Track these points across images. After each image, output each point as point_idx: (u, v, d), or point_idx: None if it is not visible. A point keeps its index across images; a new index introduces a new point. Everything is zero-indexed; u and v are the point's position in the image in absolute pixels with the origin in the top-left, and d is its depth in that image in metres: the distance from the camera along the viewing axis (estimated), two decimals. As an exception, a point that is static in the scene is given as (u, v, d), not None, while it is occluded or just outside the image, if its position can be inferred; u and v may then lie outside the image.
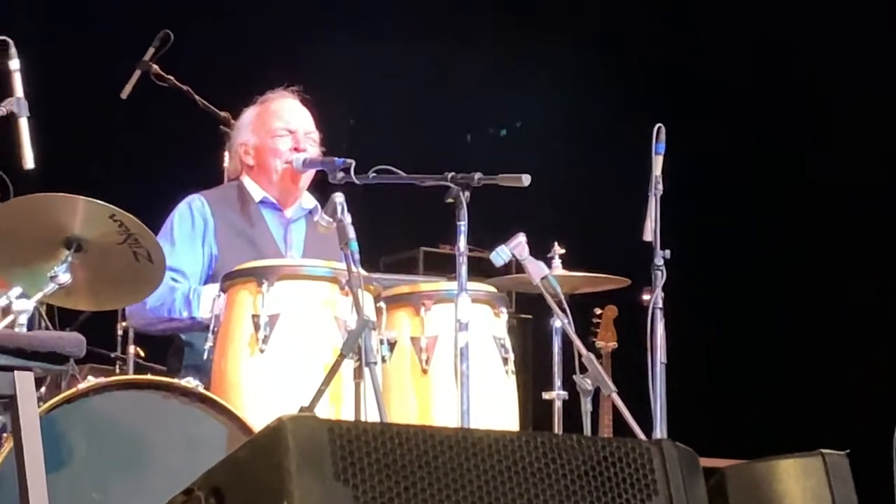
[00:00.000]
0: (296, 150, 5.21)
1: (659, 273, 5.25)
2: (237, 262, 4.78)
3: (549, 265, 5.27)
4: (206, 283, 5.07)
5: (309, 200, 5.32)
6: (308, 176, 5.25)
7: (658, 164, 5.35)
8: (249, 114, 5.36)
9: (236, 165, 5.35)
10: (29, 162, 4.32)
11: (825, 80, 8.30)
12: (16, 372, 3.71)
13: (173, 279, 4.88)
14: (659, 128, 5.35)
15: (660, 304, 5.21)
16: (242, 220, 5.20)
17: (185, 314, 4.93)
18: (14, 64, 4.36)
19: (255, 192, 5.25)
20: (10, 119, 4.31)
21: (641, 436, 4.75)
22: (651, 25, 8.75)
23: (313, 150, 5.24)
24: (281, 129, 5.23)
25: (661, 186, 5.33)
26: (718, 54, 8.61)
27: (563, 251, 5.42)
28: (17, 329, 3.98)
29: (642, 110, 6.71)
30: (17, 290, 4.14)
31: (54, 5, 8.25)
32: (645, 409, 5.09)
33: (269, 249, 5.09)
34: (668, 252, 5.26)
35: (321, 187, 5.20)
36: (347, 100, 8.16)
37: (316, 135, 5.28)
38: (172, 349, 5.15)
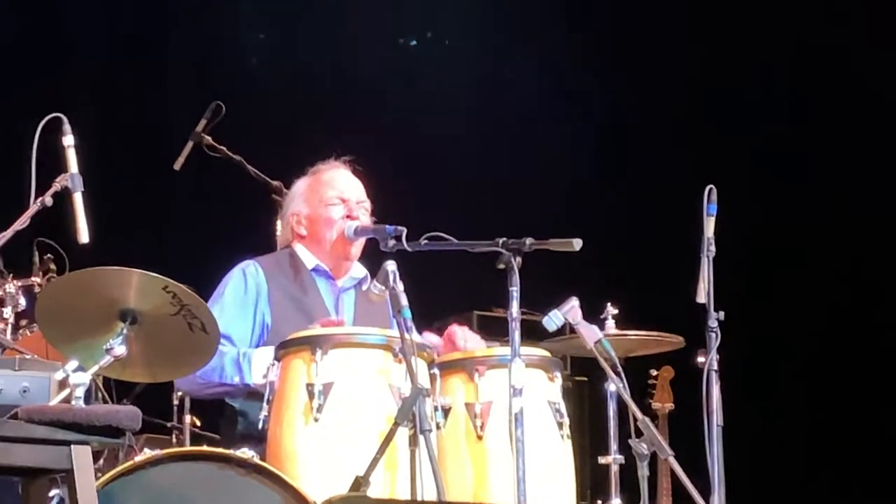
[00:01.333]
0: (348, 217, 5.23)
1: (713, 335, 5.21)
2: (290, 330, 4.80)
3: (603, 326, 5.25)
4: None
5: (359, 270, 5.33)
6: (360, 244, 5.26)
7: (710, 225, 5.33)
8: (301, 184, 5.39)
9: (288, 236, 5.38)
10: (83, 236, 4.36)
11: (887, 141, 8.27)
12: (73, 446, 3.73)
13: (222, 343, 4.89)
14: (710, 189, 5.33)
15: (715, 367, 5.18)
16: (295, 288, 5.21)
17: (236, 379, 4.94)
18: (68, 140, 4.41)
19: (308, 259, 5.27)
20: (65, 194, 4.35)
21: (699, 500, 4.71)
22: (705, 84, 8.75)
23: (365, 218, 5.26)
24: (334, 197, 5.26)
25: (713, 247, 5.30)
26: (769, 113, 8.59)
27: (616, 311, 5.40)
28: (73, 402, 3.98)
29: (695, 169, 6.70)
30: (73, 364, 4.15)
31: (107, 81, 8.34)
32: (703, 473, 5.05)
33: (321, 317, 5.09)
34: (721, 313, 5.22)
35: (373, 257, 5.21)
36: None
37: (368, 204, 5.31)
38: (226, 418, 5.15)
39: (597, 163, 8.75)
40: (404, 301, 4.54)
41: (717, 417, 5.14)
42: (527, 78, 8.87)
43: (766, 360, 8.24)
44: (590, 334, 4.94)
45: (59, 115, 4.38)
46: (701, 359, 5.23)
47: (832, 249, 8.43)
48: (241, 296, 5.15)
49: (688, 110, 8.72)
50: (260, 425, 4.60)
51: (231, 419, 5.12)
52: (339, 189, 5.28)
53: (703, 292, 5.27)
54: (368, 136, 7.58)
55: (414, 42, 9.29)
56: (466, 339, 5.11)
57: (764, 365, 8.21)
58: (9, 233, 4.22)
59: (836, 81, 8.45)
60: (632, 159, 8.74)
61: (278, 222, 5.60)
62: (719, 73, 8.72)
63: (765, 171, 8.56)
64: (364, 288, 5.21)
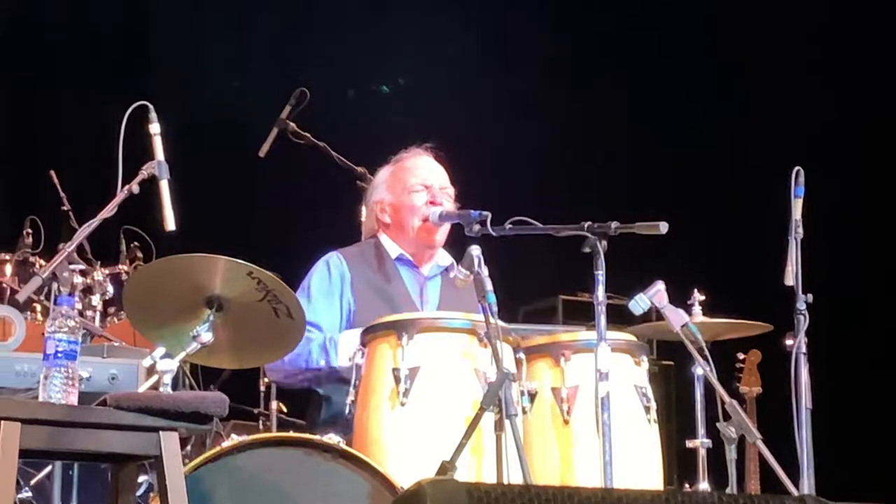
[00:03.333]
0: (432, 203, 5.23)
1: (801, 317, 5.17)
2: (373, 318, 4.80)
3: (690, 312, 5.21)
4: None
5: (445, 257, 5.34)
6: (444, 230, 5.26)
7: (798, 207, 5.29)
8: (384, 172, 5.41)
9: (372, 224, 5.39)
10: (170, 224, 4.39)
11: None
12: (161, 432, 3.76)
13: (309, 331, 4.91)
14: (798, 171, 5.29)
15: (803, 349, 5.14)
16: (379, 277, 5.23)
17: (322, 363, 4.97)
18: (154, 128, 4.43)
19: (392, 249, 5.29)
20: (152, 182, 4.37)
21: (788, 484, 4.66)
22: (788, 71, 8.67)
23: (449, 204, 5.26)
24: (417, 184, 5.27)
25: (801, 230, 5.26)
26: (859, 95, 8.50)
27: (702, 297, 5.36)
28: (161, 389, 4.02)
29: (780, 152, 6.64)
30: (160, 351, 4.19)
31: (193, 67, 8.40)
32: (792, 456, 5.01)
33: (405, 306, 5.11)
34: (810, 296, 5.18)
35: (457, 245, 5.21)
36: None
37: (451, 190, 5.31)
38: (312, 404, 5.18)
39: (684, 147, 8.70)
40: (489, 286, 4.52)
41: (805, 400, 5.10)
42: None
43: (854, 343, 8.15)
44: (676, 318, 4.89)
45: (145, 102, 4.40)
46: (789, 342, 5.19)
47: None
48: (326, 286, 5.18)
49: (770, 93, 8.64)
50: (346, 410, 4.61)
51: (317, 405, 5.15)
52: (421, 176, 5.29)
53: (791, 275, 5.24)
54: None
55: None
56: None
57: (853, 347, 8.12)
58: (96, 221, 4.25)
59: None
60: (719, 142, 8.68)
61: (363, 209, 5.61)
62: (802, 52, 8.64)
63: (852, 150, 8.46)
64: (451, 275, 5.22)
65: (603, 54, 8.91)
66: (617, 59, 8.91)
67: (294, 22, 8.80)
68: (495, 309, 4.49)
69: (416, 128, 5.62)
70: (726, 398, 4.78)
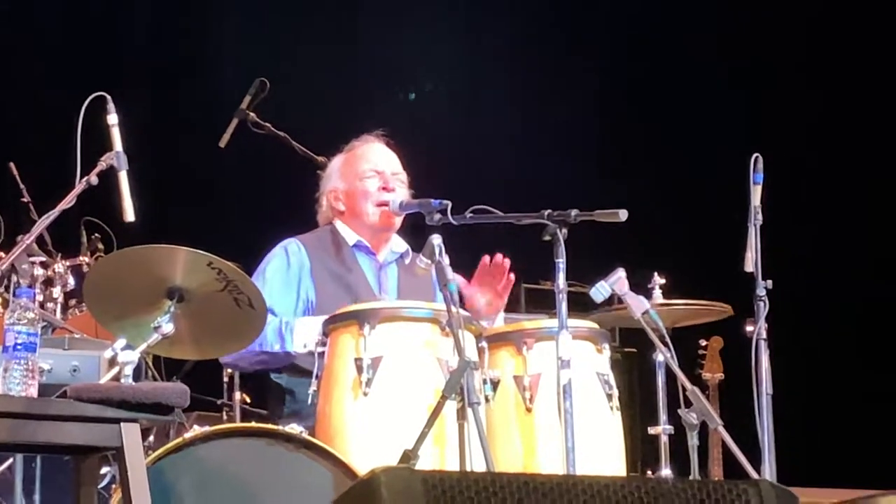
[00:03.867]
0: (384, 189, 5.24)
1: (762, 304, 5.20)
2: (333, 306, 4.81)
3: (650, 296, 5.23)
4: None
5: (399, 244, 5.35)
6: (400, 219, 5.27)
7: (756, 193, 5.32)
8: (337, 161, 5.41)
9: (328, 213, 5.39)
10: (129, 215, 4.37)
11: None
12: (122, 423, 3.75)
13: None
14: (756, 157, 5.32)
15: (763, 335, 5.17)
16: (337, 264, 5.23)
17: (276, 347, 4.95)
18: (112, 119, 4.42)
19: (349, 236, 5.29)
20: (111, 173, 4.36)
21: (750, 469, 4.69)
22: (739, 53, 8.71)
23: (402, 190, 5.27)
24: (368, 170, 5.28)
25: (760, 216, 5.29)
26: (812, 79, 8.54)
27: (662, 281, 5.38)
28: (123, 380, 4.01)
29: (738, 138, 6.68)
30: (121, 342, 4.18)
31: (151, 57, 8.37)
32: (753, 442, 5.04)
33: (364, 293, 5.11)
34: (769, 282, 5.21)
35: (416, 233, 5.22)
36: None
37: (404, 175, 5.32)
38: (274, 396, 5.17)
39: (641, 132, 8.72)
40: (450, 274, 4.53)
41: (766, 386, 5.13)
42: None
43: (814, 328, 8.19)
44: (637, 305, 4.91)
45: (102, 93, 4.39)
46: (749, 328, 5.22)
47: (880, 213, 8.38)
48: (283, 273, 5.17)
49: (732, 76, 8.67)
50: (309, 401, 4.61)
51: (279, 396, 5.14)
52: (373, 162, 5.30)
53: (751, 261, 5.26)
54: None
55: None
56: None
57: (813, 333, 8.17)
58: (56, 212, 4.24)
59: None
60: (677, 127, 8.70)
61: (323, 199, 5.61)
62: (765, 38, 8.67)
63: (811, 136, 8.50)
64: (406, 262, 5.23)
65: (567, 40, 8.91)
66: (580, 43, 8.91)
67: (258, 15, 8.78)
68: (457, 298, 4.49)
69: (378, 119, 5.60)
70: (688, 385, 4.81)
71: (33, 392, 3.70)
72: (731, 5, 8.71)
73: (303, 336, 4.86)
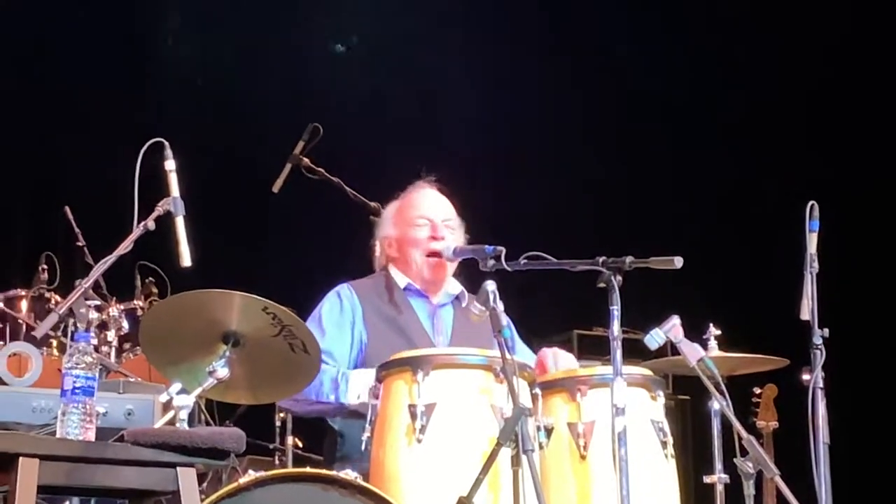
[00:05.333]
0: (433, 238, 5.25)
1: (818, 352, 5.16)
2: (386, 349, 4.82)
3: (705, 347, 5.20)
4: (354, 368, 5.10)
5: (455, 286, 5.35)
6: (455, 264, 5.27)
7: (812, 241, 5.29)
8: (391, 208, 5.45)
9: (381, 261, 5.42)
10: (186, 260, 4.38)
11: None
12: (178, 468, 3.76)
13: (323, 360, 4.89)
14: (812, 205, 5.30)
15: (820, 384, 5.13)
16: (390, 308, 5.24)
17: (332, 397, 4.97)
18: (170, 164, 4.44)
19: (401, 279, 5.30)
20: (167, 218, 4.38)
21: (806, 519, 4.65)
22: (800, 102, 8.68)
23: (452, 237, 5.28)
24: (418, 218, 5.29)
25: (816, 264, 5.26)
26: (873, 129, 8.50)
27: (718, 332, 5.34)
28: (178, 424, 4.02)
29: (796, 188, 6.64)
30: (176, 386, 4.19)
31: (205, 104, 8.43)
32: (809, 492, 4.99)
33: (417, 336, 5.12)
34: (826, 330, 5.17)
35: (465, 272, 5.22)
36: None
37: (455, 222, 5.33)
38: (327, 440, 5.18)
39: (698, 182, 8.70)
40: (505, 321, 4.54)
41: (823, 435, 5.08)
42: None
43: (872, 377, 8.12)
44: (692, 352, 4.89)
45: (160, 139, 4.41)
46: (806, 376, 5.18)
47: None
48: (336, 316, 5.19)
49: (789, 126, 8.65)
50: (363, 447, 4.60)
51: (332, 441, 5.15)
52: (423, 209, 5.33)
53: (807, 309, 5.23)
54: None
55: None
56: (557, 359, 5.11)
57: (870, 382, 8.10)
58: (112, 257, 4.25)
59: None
60: (735, 178, 8.67)
61: (376, 244, 5.62)
62: (821, 89, 8.65)
63: (867, 185, 8.45)
64: (463, 305, 5.23)
65: (612, 82, 8.92)
66: (634, 87, 8.91)
67: (308, 58, 8.84)
68: (511, 344, 4.49)
69: (428, 160, 5.62)
70: (743, 433, 4.77)
71: (91, 436, 3.72)
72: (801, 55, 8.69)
73: (357, 388, 4.88)
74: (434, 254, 5.25)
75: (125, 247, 4.25)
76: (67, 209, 6.32)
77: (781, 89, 8.70)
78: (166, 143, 4.42)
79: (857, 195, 8.28)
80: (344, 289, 5.28)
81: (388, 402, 4.55)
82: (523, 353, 5.25)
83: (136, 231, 4.28)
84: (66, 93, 8.16)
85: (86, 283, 4.20)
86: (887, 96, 8.51)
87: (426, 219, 5.30)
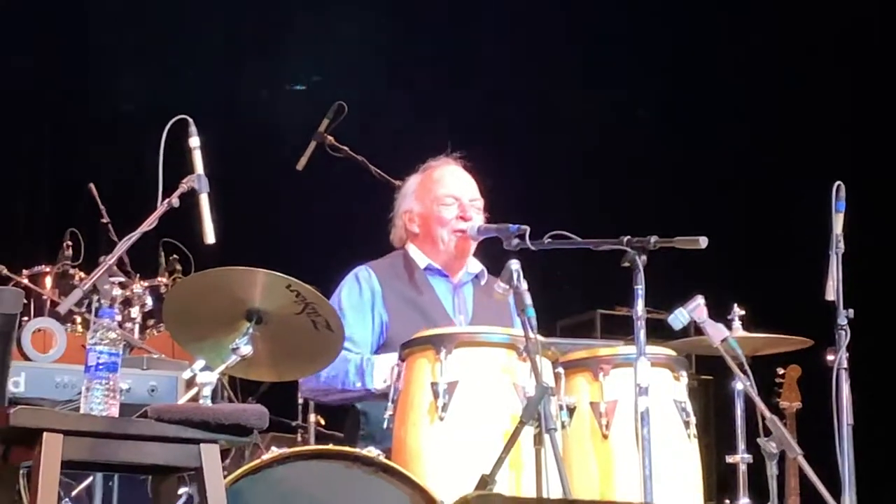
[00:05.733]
0: (461, 218, 5.22)
1: (843, 333, 5.15)
2: (408, 330, 4.81)
3: (730, 327, 5.19)
4: (377, 351, 5.10)
5: (475, 265, 5.33)
6: (476, 243, 5.26)
7: (839, 222, 5.27)
8: (413, 181, 5.40)
9: (401, 234, 5.38)
10: (209, 237, 4.39)
11: None
12: (201, 444, 3.76)
13: (346, 348, 4.89)
14: (839, 185, 5.28)
15: (844, 365, 5.12)
16: (410, 289, 5.22)
17: (358, 385, 4.97)
18: (194, 141, 4.44)
19: (420, 259, 5.28)
20: (191, 195, 4.38)
21: (830, 500, 4.64)
22: (826, 82, 8.65)
23: (478, 217, 5.25)
24: (446, 196, 5.26)
25: (842, 244, 5.24)
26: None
27: (742, 312, 5.33)
28: (201, 401, 4.03)
29: (822, 168, 6.61)
30: (200, 363, 4.20)
31: (230, 81, 8.44)
32: (832, 473, 4.98)
33: (438, 315, 5.11)
34: (851, 311, 5.16)
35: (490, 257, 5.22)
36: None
37: (480, 202, 5.30)
38: (349, 418, 5.18)
39: (724, 160, 8.67)
40: (528, 300, 4.52)
41: (846, 416, 5.07)
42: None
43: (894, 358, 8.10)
44: (716, 332, 4.88)
45: (185, 116, 4.41)
46: (830, 357, 5.17)
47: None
48: (356, 299, 5.18)
49: (817, 106, 8.61)
50: (385, 425, 4.60)
51: (355, 419, 5.15)
52: (451, 187, 5.28)
53: (832, 290, 5.21)
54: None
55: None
56: None
57: (894, 363, 8.07)
58: (136, 234, 4.25)
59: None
60: (760, 157, 8.65)
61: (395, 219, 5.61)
62: (844, 70, 8.61)
63: (894, 165, 8.42)
64: (483, 283, 5.22)
65: (636, 62, 8.89)
66: (650, 70, 8.89)
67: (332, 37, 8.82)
68: (535, 323, 4.48)
69: (447, 137, 5.60)
70: (767, 413, 4.76)
71: (114, 412, 3.72)
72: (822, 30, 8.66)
73: (383, 373, 4.86)
74: (460, 232, 5.24)
75: (149, 223, 4.25)
76: (92, 186, 6.33)
77: (809, 69, 8.66)
78: (191, 121, 4.42)
79: (884, 176, 8.25)
80: (362, 271, 5.26)
81: (411, 380, 4.55)
82: None
83: (161, 208, 4.28)
84: (92, 69, 8.17)
85: (110, 260, 4.20)
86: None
87: (454, 197, 5.27)
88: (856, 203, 5.31)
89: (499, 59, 8.87)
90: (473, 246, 5.29)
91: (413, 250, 5.33)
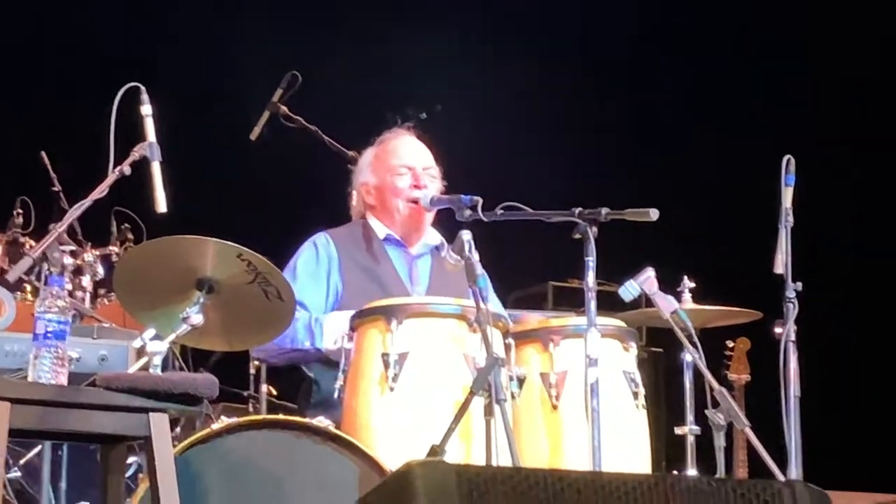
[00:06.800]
0: (415, 186, 5.24)
1: (791, 305, 5.18)
2: (362, 299, 4.81)
3: (679, 299, 5.22)
4: None
5: (434, 236, 5.35)
6: (432, 213, 5.27)
7: (788, 195, 5.31)
8: (368, 155, 5.42)
9: (360, 207, 5.40)
10: (161, 205, 4.37)
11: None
12: (150, 413, 3.75)
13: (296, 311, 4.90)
14: (788, 159, 5.31)
15: (792, 337, 5.15)
16: (368, 258, 5.23)
17: (307, 344, 4.98)
18: (146, 109, 4.42)
19: (380, 229, 5.29)
20: (143, 163, 4.37)
21: (776, 471, 4.68)
22: (775, 59, 8.69)
23: (433, 185, 5.27)
24: (399, 166, 5.28)
25: (791, 218, 5.28)
26: (848, 82, 8.50)
27: (692, 285, 5.37)
28: (151, 370, 4.03)
29: (770, 141, 6.66)
30: (150, 332, 4.19)
31: (185, 50, 8.39)
32: (780, 444, 5.02)
33: (394, 286, 5.12)
34: (799, 284, 5.19)
35: (446, 223, 5.22)
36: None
37: (435, 170, 5.32)
38: (301, 388, 5.19)
39: (674, 133, 8.70)
40: (480, 270, 4.53)
41: (794, 388, 5.11)
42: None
43: (844, 331, 8.16)
44: (666, 304, 4.91)
45: (136, 84, 4.39)
46: (778, 329, 5.20)
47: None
48: (312, 266, 5.19)
49: (766, 82, 8.65)
50: (335, 394, 4.61)
51: (307, 388, 5.16)
52: (403, 157, 5.31)
53: (781, 263, 5.25)
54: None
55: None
56: None
57: (842, 336, 8.13)
58: (87, 202, 4.24)
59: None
60: (709, 130, 8.68)
61: (354, 192, 5.62)
62: (794, 38, 8.65)
63: (843, 140, 8.47)
64: (442, 255, 5.24)
65: (590, 34, 8.89)
66: (606, 38, 8.89)
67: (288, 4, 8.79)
68: (486, 294, 4.49)
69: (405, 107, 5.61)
70: (715, 385, 4.80)
71: (63, 380, 3.71)
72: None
73: (333, 332, 4.88)
74: (413, 201, 5.24)
75: (100, 191, 4.24)
76: (43, 154, 6.29)
77: (759, 42, 8.69)
78: (142, 88, 4.40)
79: (833, 150, 8.29)
80: (321, 238, 5.27)
81: (361, 350, 4.56)
82: (495, 306, 5.27)
83: (112, 176, 4.27)
84: (44, 37, 8.11)
85: (60, 227, 4.19)
86: (862, 49, 8.51)
87: (407, 167, 5.29)
88: (805, 177, 5.34)
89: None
90: (429, 216, 5.29)
91: (373, 220, 5.35)
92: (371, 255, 5.25)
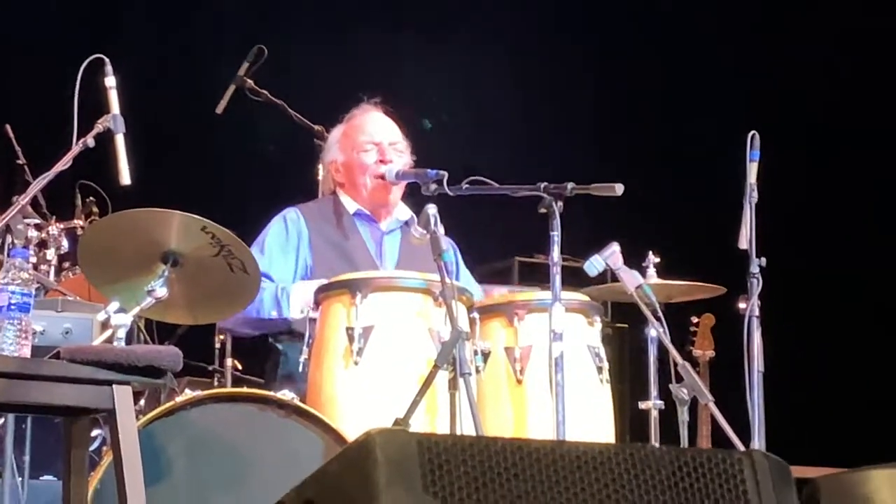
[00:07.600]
0: (381, 161, 5.24)
1: (755, 281, 5.20)
2: (331, 274, 4.82)
3: (644, 274, 5.23)
4: None
5: (404, 212, 5.35)
6: (400, 188, 5.28)
7: (753, 171, 5.32)
8: (336, 132, 5.43)
9: (329, 184, 5.42)
10: (125, 178, 4.37)
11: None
12: (114, 386, 3.74)
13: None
14: (753, 135, 5.31)
15: (756, 313, 5.17)
16: (337, 233, 5.24)
17: (274, 314, 4.98)
18: (110, 81, 4.41)
19: (350, 205, 5.30)
20: (107, 136, 4.35)
21: (739, 445, 4.71)
22: (740, 35, 8.70)
23: (400, 160, 5.27)
24: (366, 142, 5.28)
25: (755, 194, 5.29)
26: (810, 60, 8.53)
27: (657, 260, 5.38)
28: (115, 343, 4.02)
29: (736, 117, 6.67)
30: (114, 305, 4.18)
31: (150, 23, 8.35)
32: (743, 419, 5.04)
33: (363, 261, 5.12)
34: (763, 260, 5.21)
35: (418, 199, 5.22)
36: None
37: (402, 145, 5.32)
38: (270, 360, 5.19)
39: (639, 108, 8.71)
40: (445, 244, 4.54)
41: (758, 363, 5.13)
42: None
43: (807, 307, 8.20)
44: (630, 279, 4.93)
45: (100, 56, 4.38)
46: (742, 305, 5.22)
47: (876, 191, 8.39)
48: (282, 241, 5.19)
49: (734, 58, 8.67)
50: (300, 368, 4.61)
51: (275, 360, 5.16)
52: (370, 133, 5.31)
53: (745, 238, 5.26)
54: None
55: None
56: None
57: (806, 311, 8.17)
58: (52, 174, 4.23)
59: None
60: (675, 105, 8.69)
61: (320, 167, 5.62)
62: (767, 25, 8.67)
63: (808, 117, 8.50)
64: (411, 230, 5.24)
65: (565, 13, 8.89)
66: (575, 22, 8.90)
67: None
68: (451, 268, 4.50)
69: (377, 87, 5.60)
70: (679, 360, 4.82)
71: (26, 352, 3.70)
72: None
73: (300, 302, 4.89)
74: (380, 176, 5.25)
75: (64, 163, 4.23)
76: (8, 127, 6.26)
77: (721, 19, 8.71)
78: (107, 60, 4.39)
79: (798, 125, 8.32)
80: (291, 212, 5.28)
81: (326, 324, 4.56)
82: (466, 280, 5.28)
83: (75, 148, 4.26)
84: (6, 7, 8.06)
85: (23, 200, 4.18)
86: (826, 23, 8.53)
87: (373, 143, 5.29)
88: (770, 152, 5.36)
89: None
90: (396, 191, 5.30)
91: (343, 196, 5.36)
92: (341, 230, 5.26)
